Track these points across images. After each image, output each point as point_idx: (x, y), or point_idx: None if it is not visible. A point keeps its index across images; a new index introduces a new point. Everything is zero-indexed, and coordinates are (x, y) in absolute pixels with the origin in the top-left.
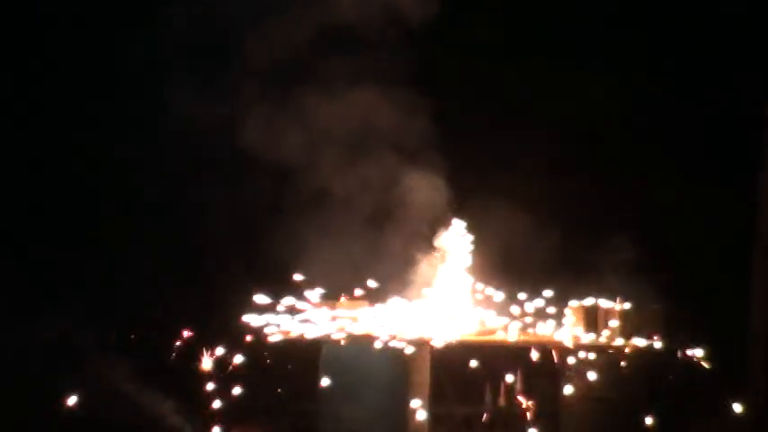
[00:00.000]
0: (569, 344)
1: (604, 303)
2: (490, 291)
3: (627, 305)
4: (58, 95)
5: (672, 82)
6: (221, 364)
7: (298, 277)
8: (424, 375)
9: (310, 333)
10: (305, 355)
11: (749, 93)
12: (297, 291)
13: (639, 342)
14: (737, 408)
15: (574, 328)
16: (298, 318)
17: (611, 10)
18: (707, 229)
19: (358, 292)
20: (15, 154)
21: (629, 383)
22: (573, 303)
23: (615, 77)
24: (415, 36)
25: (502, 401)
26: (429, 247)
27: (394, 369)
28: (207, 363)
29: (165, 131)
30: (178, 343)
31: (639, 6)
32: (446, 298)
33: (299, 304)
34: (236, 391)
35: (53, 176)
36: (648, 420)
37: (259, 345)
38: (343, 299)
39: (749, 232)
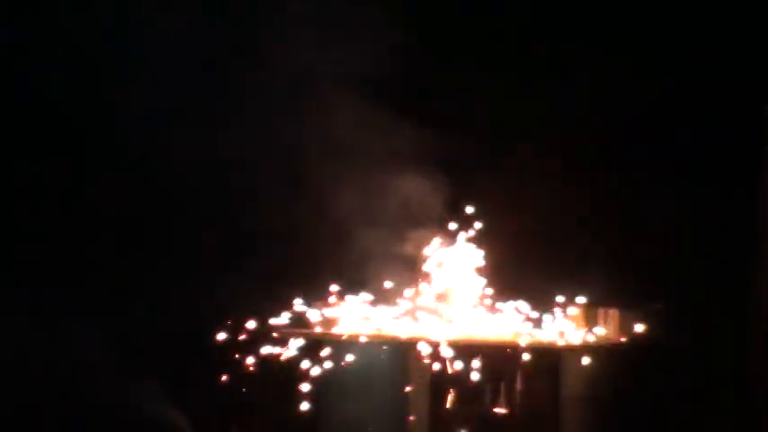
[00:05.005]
0: (568, 344)
1: (603, 304)
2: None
3: (625, 306)
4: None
5: (671, 81)
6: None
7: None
8: (423, 375)
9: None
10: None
11: (749, 93)
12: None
13: (635, 341)
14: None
15: (573, 328)
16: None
17: (609, 9)
18: (706, 229)
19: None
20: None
21: (628, 383)
22: (572, 304)
23: (614, 78)
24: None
25: (501, 402)
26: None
27: (394, 369)
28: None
29: None
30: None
31: (637, 6)
32: (448, 299)
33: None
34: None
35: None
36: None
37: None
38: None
39: (749, 232)
